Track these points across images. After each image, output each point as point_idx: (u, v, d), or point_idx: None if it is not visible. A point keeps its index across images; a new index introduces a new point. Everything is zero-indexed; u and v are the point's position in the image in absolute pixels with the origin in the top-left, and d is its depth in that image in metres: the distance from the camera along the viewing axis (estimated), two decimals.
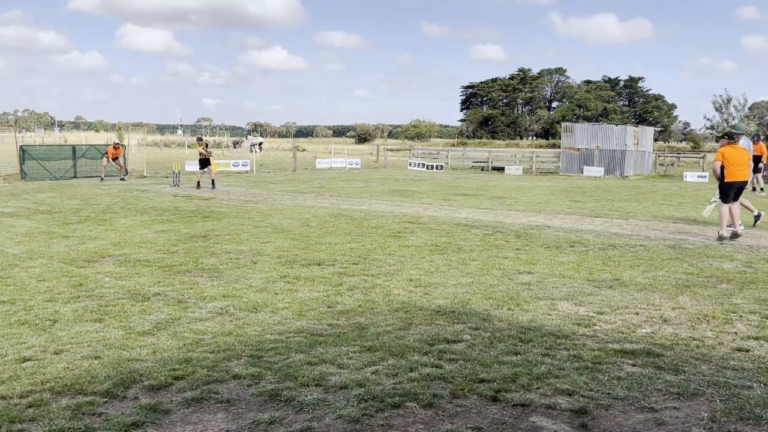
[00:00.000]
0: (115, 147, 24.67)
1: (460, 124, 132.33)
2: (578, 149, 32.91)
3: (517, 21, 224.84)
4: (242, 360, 4.66)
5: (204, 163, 20.45)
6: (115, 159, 24.22)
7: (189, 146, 65.04)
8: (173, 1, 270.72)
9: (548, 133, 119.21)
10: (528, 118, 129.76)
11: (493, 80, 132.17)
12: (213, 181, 20.49)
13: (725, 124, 37.53)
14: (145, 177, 25.39)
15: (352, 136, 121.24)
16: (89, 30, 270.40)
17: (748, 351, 4.95)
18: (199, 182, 20.36)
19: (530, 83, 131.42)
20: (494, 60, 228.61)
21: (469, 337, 5.22)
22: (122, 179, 23.93)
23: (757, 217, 12.81)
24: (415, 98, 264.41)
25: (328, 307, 6.12)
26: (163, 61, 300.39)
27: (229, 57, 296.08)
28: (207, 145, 20.69)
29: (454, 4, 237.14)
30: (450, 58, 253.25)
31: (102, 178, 23.74)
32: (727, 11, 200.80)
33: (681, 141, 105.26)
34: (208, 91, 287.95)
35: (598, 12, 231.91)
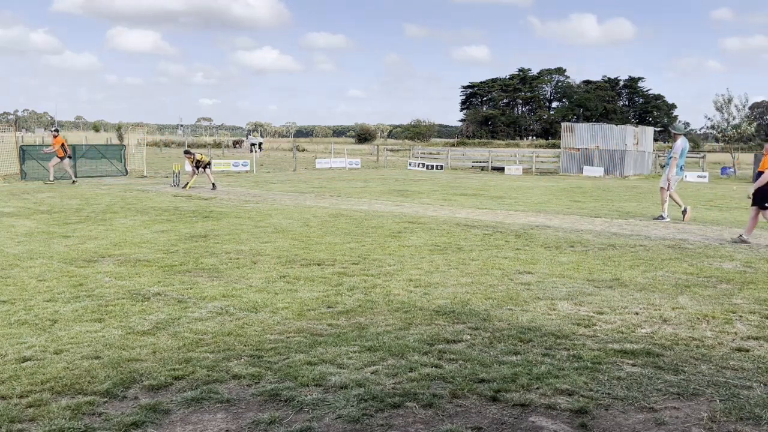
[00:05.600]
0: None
1: (460, 124, 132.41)
2: (578, 149, 32.91)
3: (501, 22, 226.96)
4: (242, 360, 4.66)
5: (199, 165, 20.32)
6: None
7: (189, 146, 65.07)
8: (156, 3, 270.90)
9: (548, 133, 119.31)
10: (528, 118, 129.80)
11: (493, 80, 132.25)
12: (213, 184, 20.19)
13: (726, 124, 37.50)
14: (145, 177, 25.39)
15: (352, 136, 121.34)
16: (77, 31, 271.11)
17: (748, 351, 4.95)
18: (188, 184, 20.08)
19: (530, 83, 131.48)
20: (480, 60, 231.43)
21: (469, 337, 5.22)
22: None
23: (684, 212, 13.62)
24: (412, 98, 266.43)
25: (328, 307, 6.12)
26: (156, 62, 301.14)
27: (219, 58, 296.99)
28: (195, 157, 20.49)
29: (436, 5, 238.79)
30: (437, 59, 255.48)
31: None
32: (708, 12, 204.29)
33: None
34: (204, 91, 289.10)
35: (584, 12, 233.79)
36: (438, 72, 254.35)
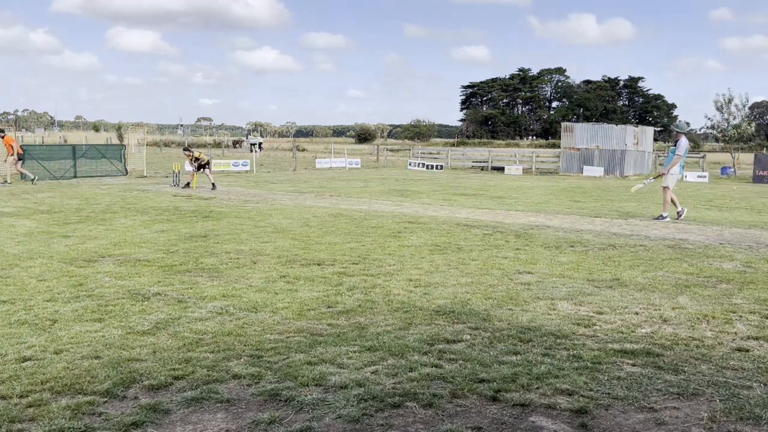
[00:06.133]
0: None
1: (460, 124, 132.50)
2: (578, 149, 32.91)
3: (500, 22, 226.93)
4: (242, 360, 4.66)
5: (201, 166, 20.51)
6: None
7: (189, 146, 65.13)
8: (156, 3, 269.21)
9: (548, 133, 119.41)
10: (528, 118, 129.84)
11: (493, 80, 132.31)
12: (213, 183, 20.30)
13: (726, 124, 37.46)
14: (145, 177, 25.39)
15: (352, 136, 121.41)
16: (77, 31, 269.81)
17: (748, 351, 4.95)
18: (189, 182, 20.35)
19: (530, 83, 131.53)
20: (480, 60, 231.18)
21: (469, 337, 5.22)
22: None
23: (680, 213, 13.58)
24: (412, 98, 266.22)
25: (328, 307, 6.12)
26: (156, 62, 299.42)
27: (219, 58, 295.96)
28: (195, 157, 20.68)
29: (435, 5, 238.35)
30: (437, 59, 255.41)
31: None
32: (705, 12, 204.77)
33: None
34: (204, 91, 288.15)
35: (583, 12, 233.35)
36: (438, 72, 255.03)
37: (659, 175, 14.10)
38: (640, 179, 15.04)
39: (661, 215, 13.47)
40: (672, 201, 13.55)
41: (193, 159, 20.53)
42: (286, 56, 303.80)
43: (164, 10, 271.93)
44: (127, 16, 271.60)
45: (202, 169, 20.40)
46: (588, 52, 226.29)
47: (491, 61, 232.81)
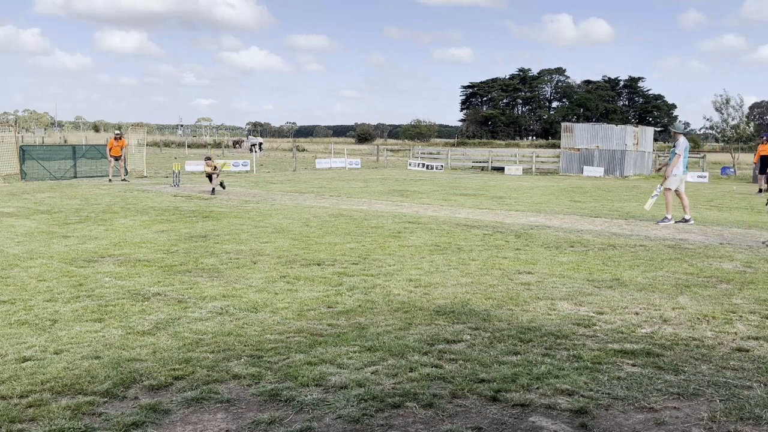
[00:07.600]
0: (117, 138, 23.25)
1: (460, 124, 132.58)
2: (578, 149, 32.91)
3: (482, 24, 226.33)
4: (242, 360, 4.66)
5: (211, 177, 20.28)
6: (117, 158, 22.93)
7: (189, 146, 65.18)
8: (140, 5, 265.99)
9: (548, 133, 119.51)
10: (528, 118, 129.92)
11: (493, 80, 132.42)
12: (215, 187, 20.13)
13: (725, 125, 37.41)
14: (145, 177, 25.39)
15: (353, 136, 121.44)
16: (66, 32, 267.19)
17: (748, 351, 4.96)
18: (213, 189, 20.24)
19: (530, 83, 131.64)
20: (479, 60, 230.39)
21: (469, 337, 5.23)
22: (124, 179, 23.10)
23: (664, 219, 13.06)
24: (411, 98, 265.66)
25: (328, 307, 6.12)
26: (145, 62, 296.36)
27: (207, 59, 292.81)
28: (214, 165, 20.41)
29: (414, 7, 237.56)
30: (437, 59, 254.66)
31: (110, 179, 22.87)
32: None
33: None
34: (199, 91, 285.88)
35: (589, 15, 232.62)
36: (438, 72, 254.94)
37: (664, 180, 13.52)
38: (649, 193, 14.43)
39: (665, 217, 12.94)
40: (683, 205, 13.03)
41: (214, 167, 20.05)
42: (274, 57, 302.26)
43: (146, 12, 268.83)
44: (109, 18, 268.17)
45: (210, 178, 19.97)
46: (587, 52, 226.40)
47: (491, 61, 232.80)
